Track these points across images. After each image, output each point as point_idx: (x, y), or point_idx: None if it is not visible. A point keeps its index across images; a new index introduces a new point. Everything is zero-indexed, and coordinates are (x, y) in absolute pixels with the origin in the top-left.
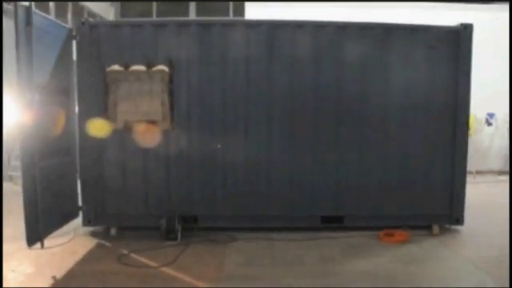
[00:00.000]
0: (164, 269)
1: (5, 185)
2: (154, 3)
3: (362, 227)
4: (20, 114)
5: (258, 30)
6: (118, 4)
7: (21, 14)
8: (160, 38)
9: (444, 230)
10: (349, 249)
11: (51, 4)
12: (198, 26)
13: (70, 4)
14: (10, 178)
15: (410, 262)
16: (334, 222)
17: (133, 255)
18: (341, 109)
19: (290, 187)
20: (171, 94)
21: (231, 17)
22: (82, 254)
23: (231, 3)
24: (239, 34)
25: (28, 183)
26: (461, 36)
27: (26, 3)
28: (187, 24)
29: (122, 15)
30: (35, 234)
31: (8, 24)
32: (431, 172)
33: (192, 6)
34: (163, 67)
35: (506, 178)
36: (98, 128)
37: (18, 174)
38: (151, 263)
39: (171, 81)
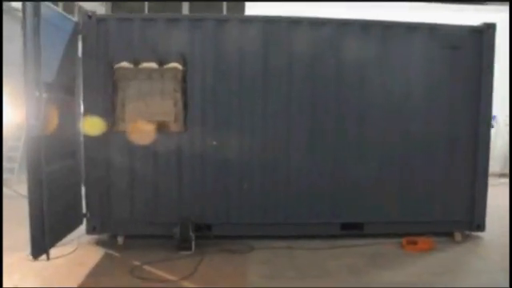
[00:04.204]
0: (184, 282)
1: None
2: (146, 2)
3: (381, 234)
4: (26, 114)
5: (276, 26)
6: (108, 3)
7: (28, 3)
8: (173, 33)
9: (465, 237)
10: (373, 258)
11: None
12: (213, 21)
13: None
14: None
15: (443, 273)
16: (353, 229)
17: (146, 267)
18: (363, 112)
19: (309, 193)
20: (184, 93)
21: None
22: (90, 265)
23: (225, 3)
24: (256, 30)
25: (34, 189)
26: (484, 35)
27: None
28: (202, 19)
29: None
30: (41, 245)
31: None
32: (452, 176)
33: (185, 5)
34: (176, 65)
35: (506, 180)
36: (97, 126)
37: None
38: (169, 276)
39: (184, 79)
